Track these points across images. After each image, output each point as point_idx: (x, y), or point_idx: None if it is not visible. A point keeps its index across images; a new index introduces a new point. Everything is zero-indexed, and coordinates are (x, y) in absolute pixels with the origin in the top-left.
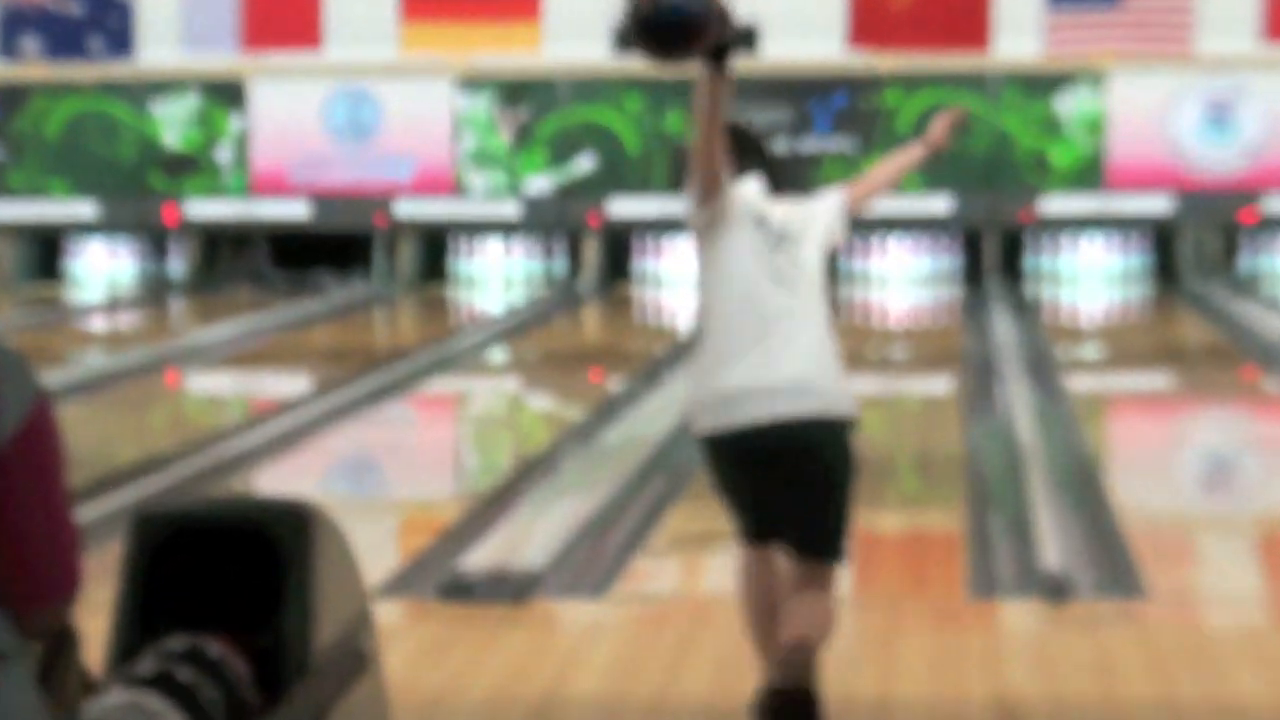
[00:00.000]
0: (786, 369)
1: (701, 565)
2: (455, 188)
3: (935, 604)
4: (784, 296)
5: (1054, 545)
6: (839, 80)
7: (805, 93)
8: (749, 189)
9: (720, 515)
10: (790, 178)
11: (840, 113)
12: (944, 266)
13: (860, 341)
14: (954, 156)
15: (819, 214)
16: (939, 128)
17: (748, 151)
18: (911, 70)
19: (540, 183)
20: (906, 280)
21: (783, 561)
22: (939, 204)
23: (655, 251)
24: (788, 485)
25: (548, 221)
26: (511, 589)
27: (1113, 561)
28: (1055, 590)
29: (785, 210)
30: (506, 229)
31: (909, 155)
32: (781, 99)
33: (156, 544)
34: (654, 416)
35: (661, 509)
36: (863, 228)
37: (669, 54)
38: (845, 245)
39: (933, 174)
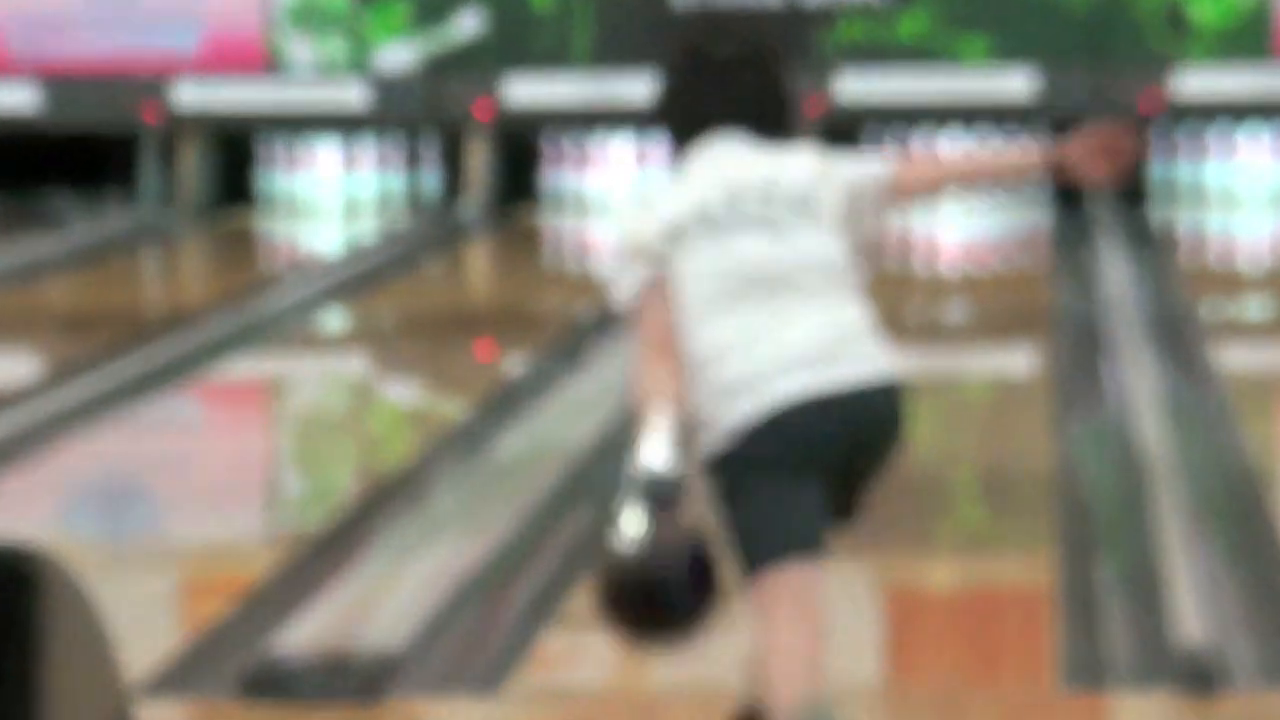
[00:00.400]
0: (816, 344)
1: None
2: (266, 63)
3: (1010, 697)
4: (776, 302)
5: (1195, 608)
6: None
7: None
8: (709, 164)
9: None
10: (795, 110)
11: None
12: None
13: (897, 298)
14: (1042, 8)
15: (837, 184)
16: (1089, 145)
17: (715, 90)
18: None
19: (399, 54)
20: (967, 203)
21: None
22: (1016, 83)
23: (576, 158)
24: (860, 465)
25: (411, 114)
26: (355, 681)
27: None
28: (1198, 676)
29: (777, 170)
30: (347, 126)
31: (1019, 160)
32: None
33: None
34: (574, 414)
35: (583, 557)
36: (899, 118)
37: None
38: (878, 228)
39: (1005, 38)
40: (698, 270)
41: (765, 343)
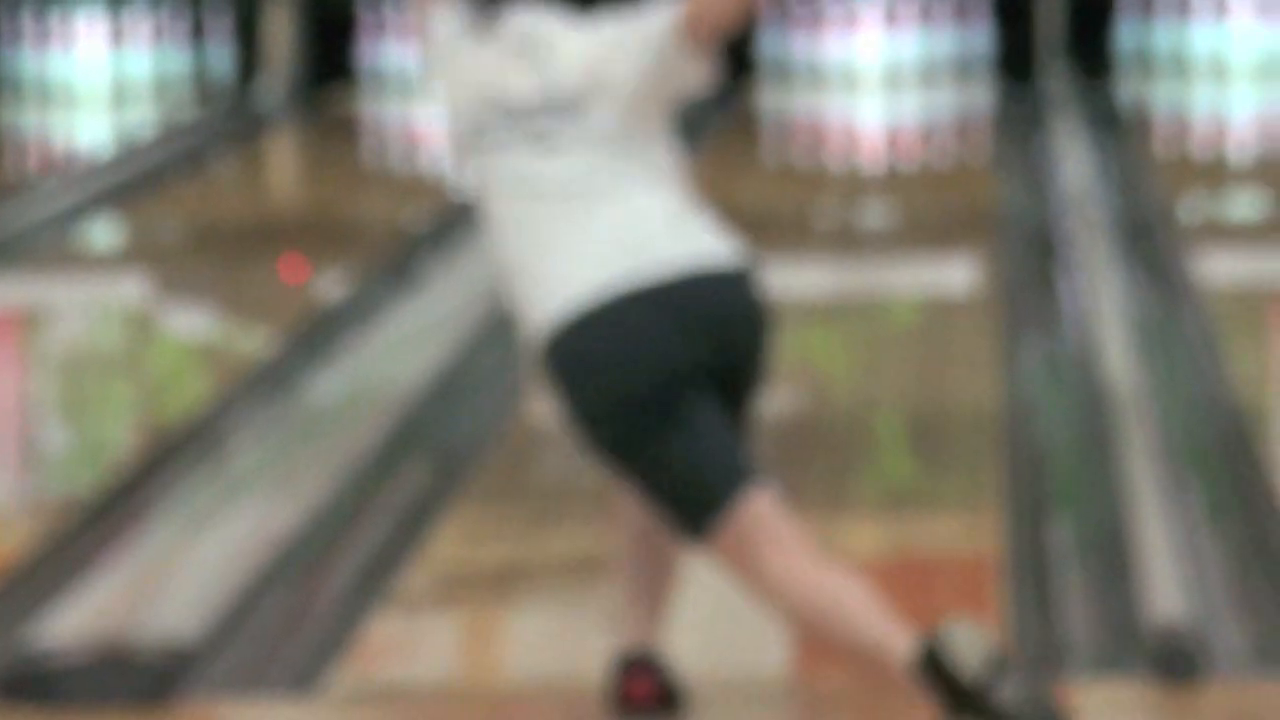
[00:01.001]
0: (636, 239)
1: (501, 626)
2: None
3: None
4: (564, 200)
5: (1171, 577)
6: None
7: None
8: (494, 52)
9: (540, 524)
10: None
11: None
12: (960, 47)
13: (804, 199)
14: None
15: (630, 46)
16: None
17: None
18: None
19: None
20: (888, 74)
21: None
22: None
23: (397, 26)
24: (728, 366)
25: None
26: (136, 680)
27: (1278, 607)
28: (1174, 660)
29: (579, 46)
30: None
31: None
32: None
33: None
34: (403, 348)
35: (420, 524)
36: None
37: None
38: (707, 79)
39: None
40: (481, 181)
41: (562, 250)
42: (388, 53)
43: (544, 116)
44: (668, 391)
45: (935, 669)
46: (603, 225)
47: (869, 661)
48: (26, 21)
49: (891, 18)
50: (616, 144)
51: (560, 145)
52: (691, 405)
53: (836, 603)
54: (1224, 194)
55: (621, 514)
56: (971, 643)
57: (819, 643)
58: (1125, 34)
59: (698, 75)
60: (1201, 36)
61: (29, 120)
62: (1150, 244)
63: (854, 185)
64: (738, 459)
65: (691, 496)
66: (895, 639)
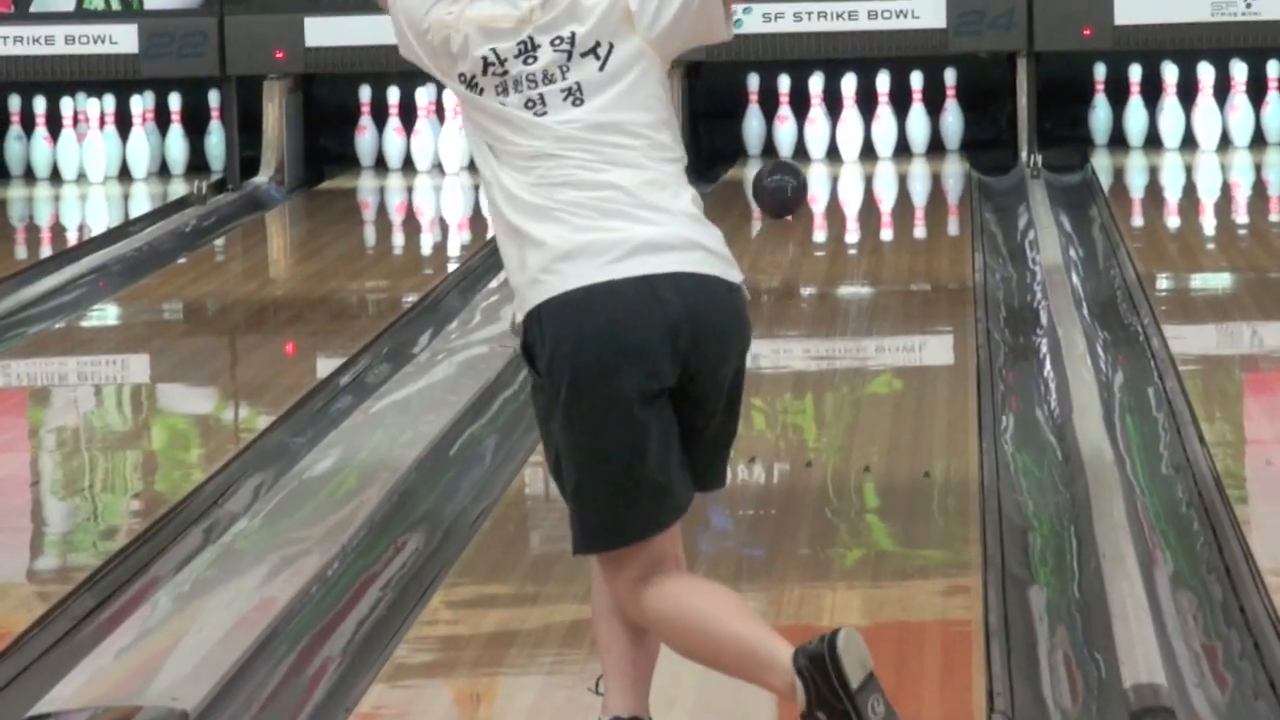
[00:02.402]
0: (625, 234)
1: (495, 694)
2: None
3: None
4: (585, 162)
5: (1148, 643)
6: None
7: None
8: None
9: (533, 593)
10: None
11: None
12: (938, 125)
13: (788, 270)
14: None
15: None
16: None
17: None
18: None
19: None
20: (870, 151)
21: None
22: (924, 10)
23: (397, 109)
24: (690, 377)
25: (192, 60)
26: None
27: (1257, 671)
28: None
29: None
30: (113, 76)
31: None
32: None
33: None
34: (397, 422)
35: (415, 593)
36: (775, 44)
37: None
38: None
39: None
40: (476, 137)
41: (556, 226)
42: (387, 134)
43: (541, 59)
44: (612, 392)
45: (824, 671)
46: (613, 194)
47: (746, 664)
48: (36, 104)
49: (870, 98)
50: (620, 96)
51: (562, 97)
52: (633, 417)
53: (707, 616)
54: (1197, 268)
55: (599, 582)
56: (860, 655)
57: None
58: (1099, 113)
59: (719, 22)
60: (1172, 115)
61: (36, 200)
62: (1124, 316)
63: (837, 257)
64: (655, 506)
65: (592, 525)
66: (776, 641)
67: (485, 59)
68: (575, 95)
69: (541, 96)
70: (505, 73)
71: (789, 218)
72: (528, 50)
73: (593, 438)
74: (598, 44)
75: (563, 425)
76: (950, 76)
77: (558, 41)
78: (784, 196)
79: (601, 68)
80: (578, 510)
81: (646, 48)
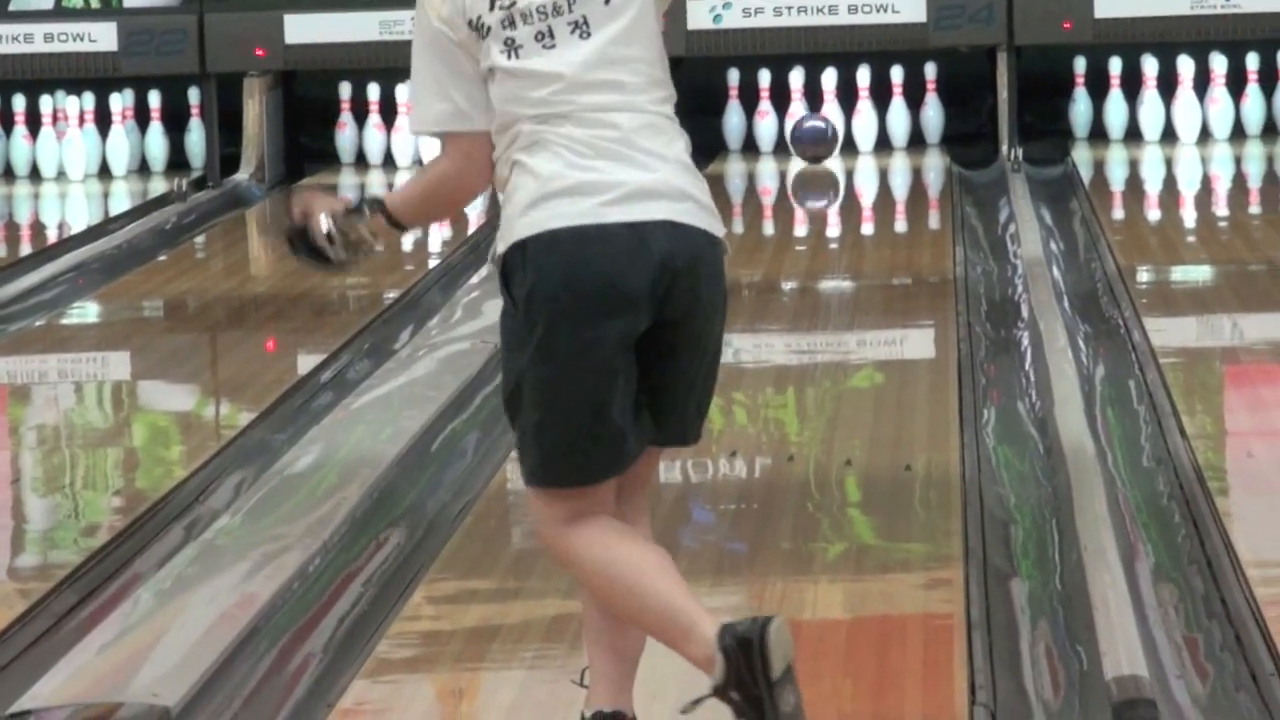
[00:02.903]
0: (617, 177)
1: (477, 689)
2: None
3: None
4: (588, 97)
5: (1130, 635)
6: None
7: None
8: None
9: (514, 588)
10: None
11: None
12: (906, 121)
13: (770, 263)
14: None
15: None
16: None
17: None
18: None
19: None
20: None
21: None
22: (903, 4)
23: (377, 105)
24: (669, 326)
25: (172, 58)
26: None
27: (1238, 662)
28: (1135, 715)
29: None
30: (93, 73)
31: None
32: None
33: None
34: (378, 418)
35: (396, 589)
36: (756, 39)
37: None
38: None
39: None
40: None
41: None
42: (368, 131)
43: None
44: (575, 326)
45: (749, 655)
46: (612, 134)
47: (666, 628)
48: (15, 102)
49: (851, 92)
50: (624, 31)
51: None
52: (594, 358)
53: (639, 569)
54: (1178, 260)
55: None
56: (785, 647)
57: None
58: (1079, 106)
59: None
60: (1152, 107)
61: (16, 198)
62: (1105, 309)
63: (818, 251)
64: (598, 448)
65: (551, 462)
66: (700, 612)
67: None
68: (582, 29)
69: (550, 29)
70: (513, 3)
71: (822, 156)
72: None
73: (565, 379)
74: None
75: (533, 361)
76: (930, 70)
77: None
78: (821, 134)
79: (606, 1)
80: (536, 445)
81: None
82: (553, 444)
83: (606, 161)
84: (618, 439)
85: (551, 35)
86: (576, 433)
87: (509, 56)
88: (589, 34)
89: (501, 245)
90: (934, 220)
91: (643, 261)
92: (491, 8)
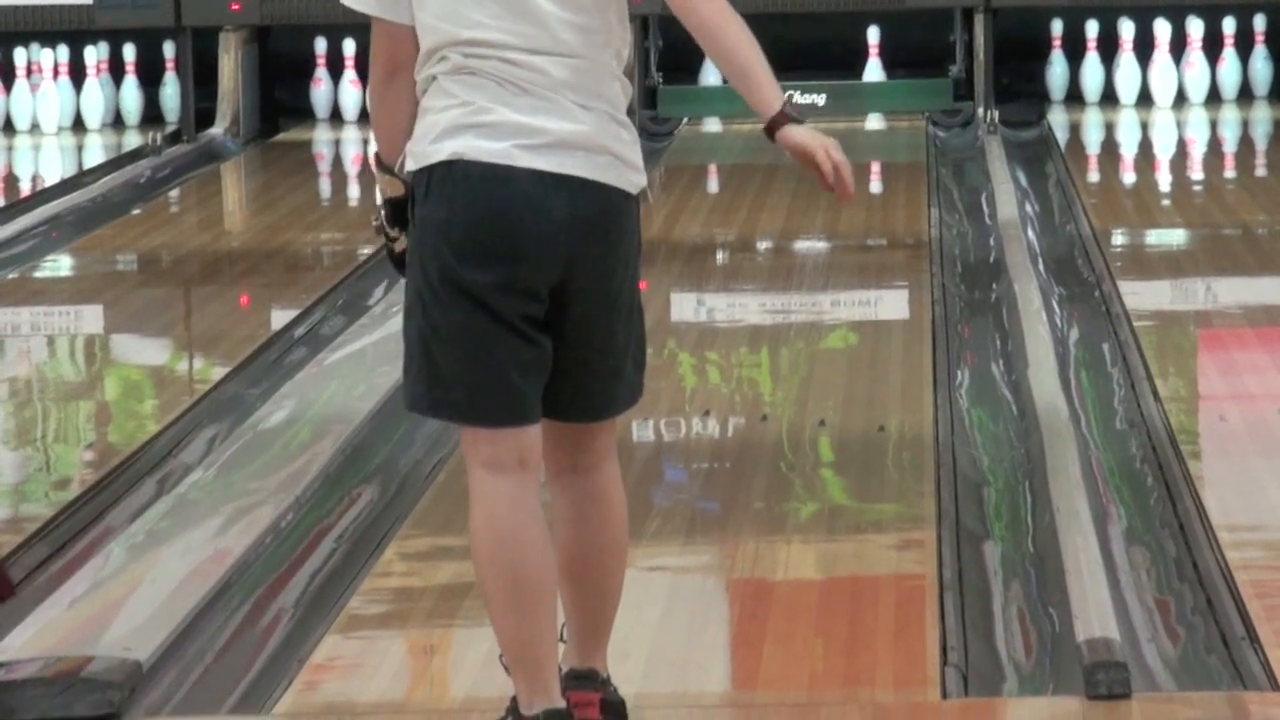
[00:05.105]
0: (540, 122)
1: (449, 646)
2: None
3: (887, 706)
4: (521, 27)
5: (1102, 598)
6: None
7: None
8: None
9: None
10: None
11: None
12: (886, 86)
13: (742, 222)
14: None
15: None
16: (825, 158)
17: None
18: None
19: None
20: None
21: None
22: None
23: (353, 61)
24: (566, 286)
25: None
26: (89, 696)
27: (1209, 626)
28: (1106, 677)
29: None
30: (66, 26)
31: (760, 93)
32: None
33: None
34: (351, 374)
35: (368, 546)
36: None
37: None
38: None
39: None
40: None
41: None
42: (343, 86)
43: None
44: (481, 269)
45: None
46: (540, 77)
47: (520, 635)
48: None
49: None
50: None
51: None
52: (497, 307)
53: (546, 564)
54: (1153, 222)
55: (557, 536)
56: None
57: (760, 658)
58: (1055, 69)
59: None
60: (1128, 71)
61: None
62: (1080, 271)
63: (793, 211)
64: (502, 393)
65: (434, 392)
66: (553, 659)
67: None
68: None
69: None
70: None
71: None
72: None
73: (444, 312)
74: None
75: (421, 286)
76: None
77: None
78: None
79: None
80: (418, 367)
81: None
82: (431, 372)
83: (530, 103)
84: (500, 386)
85: None
86: (453, 370)
87: None
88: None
89: (411, 163)
90: (909, 182)
91: (544, 213)
92: None
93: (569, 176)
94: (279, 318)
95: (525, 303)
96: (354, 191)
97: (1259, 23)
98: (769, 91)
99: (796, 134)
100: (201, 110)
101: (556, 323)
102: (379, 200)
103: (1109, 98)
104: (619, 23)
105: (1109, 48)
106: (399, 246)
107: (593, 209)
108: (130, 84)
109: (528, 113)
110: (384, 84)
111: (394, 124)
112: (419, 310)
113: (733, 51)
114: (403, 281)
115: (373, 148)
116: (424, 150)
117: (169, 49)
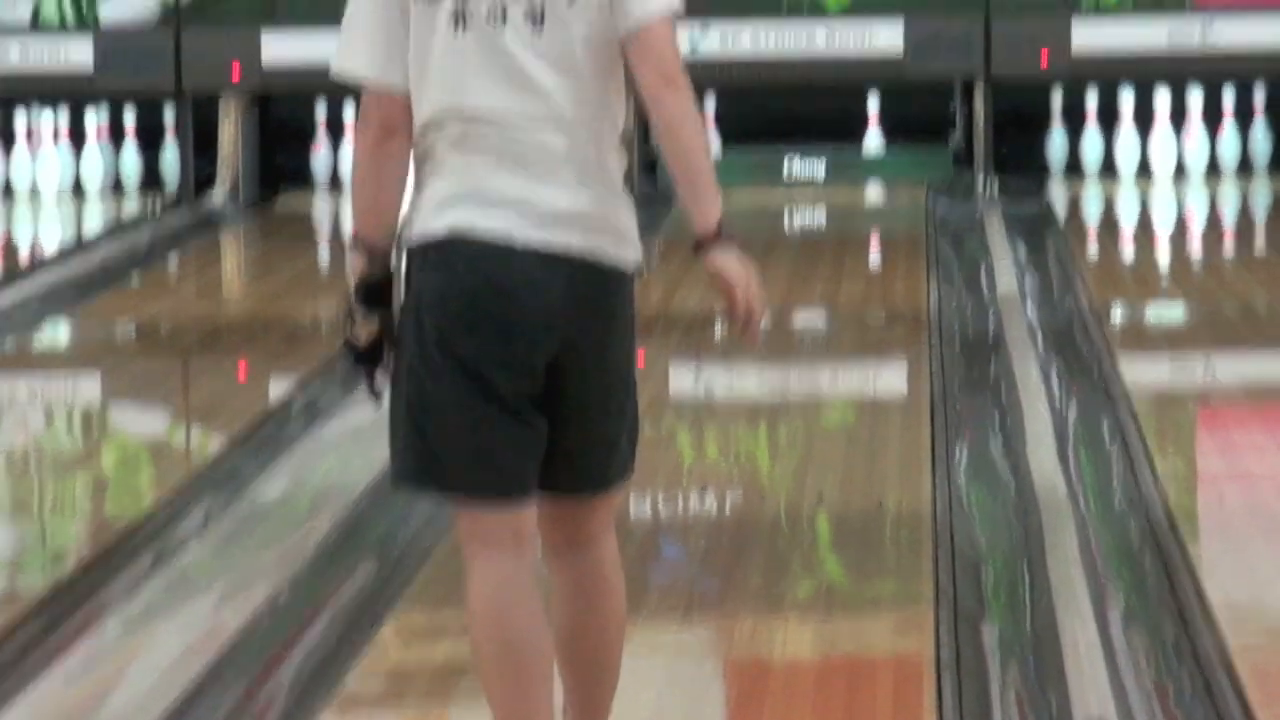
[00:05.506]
0: (539, 196)
1: (447, 709)
2: None
3: None
4: (523, 99)
5: (1100, 678)
6: None
7: None
8: None
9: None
10: None
11: None
12: (884, 156)
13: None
14: None
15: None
16: (742, 295)
17: None
18: None
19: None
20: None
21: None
22: (880, 35)
23: (351, 130)
24: (562, 362)
25: (147, 76)
26: None
27: (1208, 710)
28: None
29: None
30: (68, 90)
31: (697, 206)
32: None
33: None
34: (348, 448)
35: (365, 622)
36: (732, 70)
37: None
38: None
39: None
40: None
41: (467, 175)
42: (343, 152)
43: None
44: (473, 343)
45: None
46: (541, 151)
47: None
48: None
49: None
50: (585, 72)
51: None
52: (489, 380)
53: (504, 666)
54: (1152, 298)
55: (555, 613)
56: None
57: None
58: (1055, 142)
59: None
60: (1128, 145)
61: None
62: (1081, 349)
63: (793, 284)
64: (493, 465)
65: (413, 454)
66: None
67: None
68: (536, 19)
69: (503, 10)
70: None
71: None
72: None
73: (436, 387)
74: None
75: (414, 358)
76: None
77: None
78: None
79: (570, 1)
80: (402, 440)
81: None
82: (420, 446)
83: (529, 176)
84: (492, 462)
85: (504, 17)
86: (444, 443)
87: (455, 27)
88: (541, 26)
89: (408, 231)
90: (908, 255)
91: (541, 289)
92: None
93: (566, 253)
94: (276, 389)
95: (520, 378)
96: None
97: (1259, 95)
98: (712, 206)
99: (726, 260)
100: (201, 175)
101: (552, 398)
102: (351, 281)
103: (1108, 169)
104: (618, 94)
105: (1109, 119)
106: (365, 334)
107: (590, 286)
108: (130, 149)
109: (526, 186)
110: (374, 151)
111: (380, 194)
112: (410, 383)
113: (687, 155)
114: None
115: None
116: (423, 223)
117: (169, 114)
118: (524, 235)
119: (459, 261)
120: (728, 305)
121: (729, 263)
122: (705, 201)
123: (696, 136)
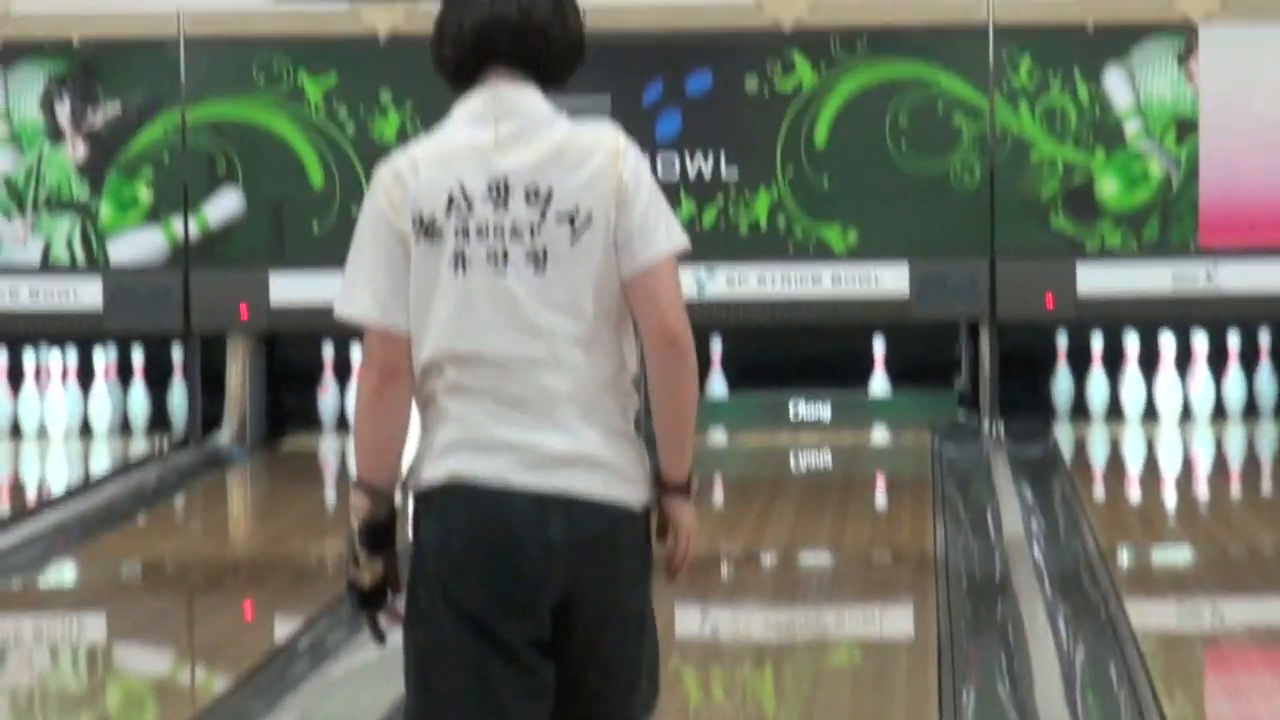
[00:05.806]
0: (537, 440)
1: None
2: None
3: None
4: (524, 341)
5: None
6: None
7: (639, 66)
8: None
9: None
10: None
11: (700, 100)
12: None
13: (748, 537)
14: (905, 178)
15: (627, 212)
16: (684, 545)
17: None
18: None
19: (141, 240)
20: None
21: None
22: (886, 277)
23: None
24: (570, 603)
25: (155, 317)
26: None
27: None
28: None
29: (544, 169)
30: (76, 331)
31: (669, 465)
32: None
33: None
34: (354, 686)
35: None
36: (737, 311)
37: None
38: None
39: (867, 228)
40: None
41: (474, 415)
42: (348, 397)
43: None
44: (474, 603)
45: None
46: (539, 393)
47: None
48: None
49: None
50: (582, 274)
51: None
52: (492, 638)
53: None
54: (1159, 541)
55: None
56: None
57: None
58: (1060, 384)
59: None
60: (1133, 387)
61: None
62: (1086, 589)
63: (798, 525)
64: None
65: (421, 699)
66: None
67: (451, 196)
68: (539, 261)
69: (505, 252)
70: (470, 210)
71: None
72: (498, 196)
73: (437, 645)
74: (576, 210)
75: (414, 618)
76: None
77: (532, 197)
78: None
79: (573, 241)
80: (425, 691)
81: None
82: (426, 694)
83: (527, 419)
84: (496, 713)
85: (505, 259)
86: (450, 693)
87: (455, 269)
88: (543, 268)
89: (412, 481)
90: (914, 496)
91: (542, 534)
92: (448, 211)
93: (565, 494)
94: (283, 628)
95: (526, 624)
96: None
97: (1264, 338)
98: (686, 460)
99: (684, 512)
100: (208, 415)
101: (561, 641)
102: (354, 523)
103: (1114, 411)
104: (623, 336)
105: (1114, 361)
106: (369, 576)
107: (592, 527)
108: (138, 388)
109: (524, 430)
110: (377, 394)
111: (383, 436)
112: (418, 630)
113: (678, 414)
114: (401, 591)
115: None
116: (426, 470)
117: (177, 353)
118: (521, 478)
119: (457, 507)
120: (671, 548)
121: (686, 514)
122: (683, 456)
123: (691, 401)
